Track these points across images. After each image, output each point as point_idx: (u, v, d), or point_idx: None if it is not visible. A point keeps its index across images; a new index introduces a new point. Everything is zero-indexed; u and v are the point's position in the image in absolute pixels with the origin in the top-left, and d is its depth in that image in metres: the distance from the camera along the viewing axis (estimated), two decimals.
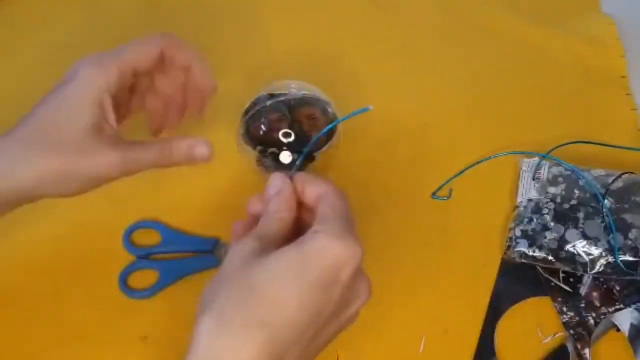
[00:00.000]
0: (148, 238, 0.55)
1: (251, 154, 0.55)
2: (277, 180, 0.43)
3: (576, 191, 0.53)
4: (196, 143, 0.47)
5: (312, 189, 0.42)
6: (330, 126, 0.51)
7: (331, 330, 0.39)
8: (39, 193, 0.44)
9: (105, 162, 0.44)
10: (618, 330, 0.49)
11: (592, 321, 0.50)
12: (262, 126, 0.54)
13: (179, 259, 0.53)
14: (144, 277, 0.52)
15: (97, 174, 0.44)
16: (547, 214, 0.52)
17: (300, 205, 0.43)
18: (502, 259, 0.53)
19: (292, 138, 0.53)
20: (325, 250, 0.37)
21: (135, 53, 0.47)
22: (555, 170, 0.55)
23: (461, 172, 0.58)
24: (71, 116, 0.44)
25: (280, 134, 0.53)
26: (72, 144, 0.43)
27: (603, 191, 0.52)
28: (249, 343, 0.34)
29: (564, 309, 0.50)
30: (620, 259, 0.49)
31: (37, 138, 0.43)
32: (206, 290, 0.38)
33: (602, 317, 0.50)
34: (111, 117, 0.45)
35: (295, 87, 0.56)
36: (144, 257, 0.53)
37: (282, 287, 0.36)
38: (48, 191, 0.44)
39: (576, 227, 0.51)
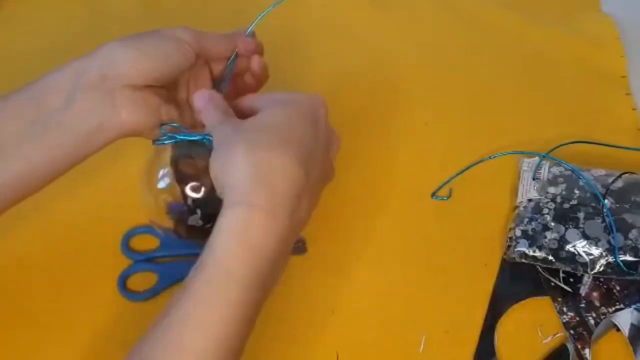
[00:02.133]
0: (146, 243, 0.55)
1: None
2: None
3: (576, 191, 0.53)
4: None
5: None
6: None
7: (327, 164, 0.45)
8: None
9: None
10: (618, 330, 0.49)
11: (592, 321, 0.50)
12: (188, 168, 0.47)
13: (178, 262, 0.54)
14: (144, 280, 0.53)
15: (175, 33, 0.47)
16: (547, 214, 0.52)
17: None
18: (503, 259, 0.53)
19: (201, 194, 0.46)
20: (302, 98, 0.44)
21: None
22: (556, 170, 0.55)
23: (461, 172, 0.58)
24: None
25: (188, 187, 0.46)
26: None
27: (603, 191, 0.52)
28: (281, 159, 0.39)
29: (564, 309, 0.50)
30: (621, 259, 0.49)
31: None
32: (218, 151, 0.42)
33: (602, 317, 0.50)
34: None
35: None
36: (143, 261, 0.54)
37: (286, 120, 0.42)
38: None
39: (576, 227, 0.51)
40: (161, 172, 0.47)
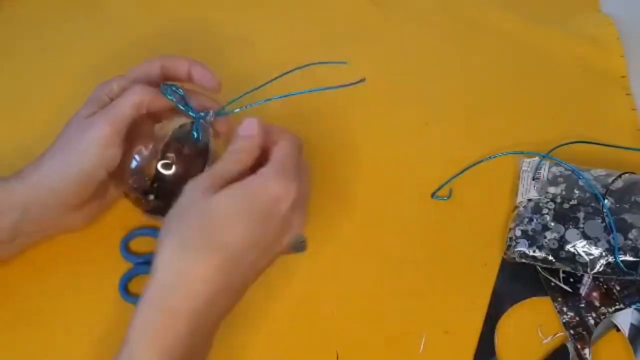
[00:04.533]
0: (146, 245, 0.54)
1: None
2: (252, 124, 0.46)
3: (576, 191, 0.53)
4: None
5: (272, 136, 0.47)
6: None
7: (271, 252, 0.45)
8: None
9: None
10: (618, 330, 0.49)
11: (592, 321, 0.50)
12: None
13: None
14: (145, 283, 0.52)
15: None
16: (547, 214, 0.52)
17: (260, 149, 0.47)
18: (502, 259, 0.53)
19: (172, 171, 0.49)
20: (263, 188, 0.43)
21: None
22: (556, 170, 0.55)
23: (461, 172, 0.58)
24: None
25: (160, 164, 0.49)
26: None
27: (603, 191, 0.52)
28: (207, 262, 0.41)
29: (564, 309, 0.50)
30: (621, 259, 0.49)
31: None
32: (167, 221, 0.43)
33: (602, 317, 0.50)
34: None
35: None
36: (143, 264, 0.53)
37: (232, 217, 0.42)
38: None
39: (576, 227, 0.51)
40: (137, 152, 0.50)
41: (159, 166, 0.49)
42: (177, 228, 0.43)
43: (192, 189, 0.44)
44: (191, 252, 0.42)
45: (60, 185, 0.48)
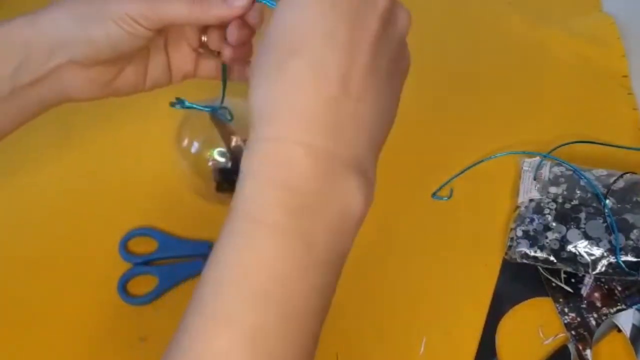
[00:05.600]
0: (144, 245, 0.54)
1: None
2: None
3: (578, 191, 0.53)
4: None
5: None
6: None
7: (387, 51, 0.35)
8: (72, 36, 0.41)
9: None
10: (619, 331, 0.49)
11: (593, 322, 0.49)
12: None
13: (178, 263, 0.53)
14: (144, 283, 0.52)
15: (120, 7, 0.40)
16: (548, 214, 0.52)
17: None
18: (504, 259, 0.53)
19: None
20: None
21: None
22: (557, 170, 0.55)
23: (462, 172, 0.58)
24: None
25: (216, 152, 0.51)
26: None
27: (604, 191, 0.52)
28: (297, 69, 0.32)
29: (566, 309, 0.50)
30: (622, 259, 0.49)
31: None
32: (254, 64, 0.34)
33: (604, 318, 0.49)
34: None
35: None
36: (142, 264, 0.53)
37: (317, 6, 0.33)
38: (70, 31, 0.41)
39: (578, 228, 0.51)
40: (193, 138, 0.52)
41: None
42: (256, 62, 0.34)
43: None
44: (278, 65, 0.32)
45: (71, 33, 0.41)
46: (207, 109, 0.49)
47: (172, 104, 0.47)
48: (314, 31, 0.33)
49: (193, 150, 0.53)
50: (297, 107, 0.32)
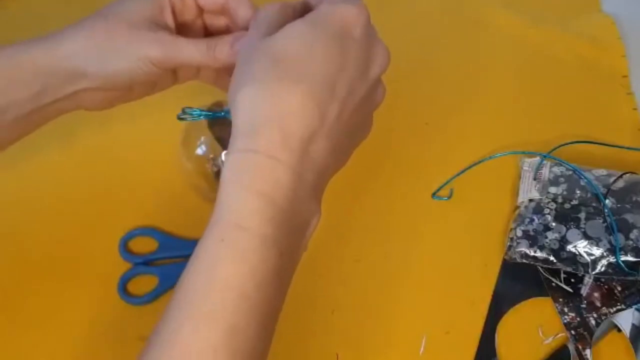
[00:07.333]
0: (145, 245, 0.54)
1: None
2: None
3: (577, 191, 0.53)
4: (237, 37, 0.44)
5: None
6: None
7: (360, 88, 0.39)
8: (81, 65, 0.44)
9: (148, 38, 0.44)
10: (619, 330, 0.49)
11: (593, 322, 0.49)
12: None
13: (178, 263, 0.53)
14: (144, 283, 0.52)
15: (139, 49, 0.44)
16: (548, 214, 0.52)
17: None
18: (503, 259, 0.53)
19: None
20: (331, 12, 0.39)
21: None
22: (557, 170, 0.55)
23: (462, 172, 0.58)
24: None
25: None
26: (125, 21, 0.45)
27: (604, 191, 0.52)
28: (291, 96, 0.36)
29: (565, 309, 0.50)
30: (622, 259, 0.49)
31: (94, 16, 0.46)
32: (234, 78, 0.38)
33: (604, 317, 0.49)
34: (169, 16, 0.46)
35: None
36: (142, 264, 0.53)
37: (302, 46, 0.37)
38: (91, 65, 0.44)
39: (577, 228, 0.51)
40: (199, 141, 0.53)
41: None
42: (248, 78, 0.37)
43: (248, 47, 0.39)
44: (270, 90, 0.36)
45: (92, 67, 0.44)
46: (219, 115, 0.49)
47: (180, 118, 0.48)
48: (314, 62, 0.37)
49: (199, 152, 0.53)
50: (285, 130, 0.36)
